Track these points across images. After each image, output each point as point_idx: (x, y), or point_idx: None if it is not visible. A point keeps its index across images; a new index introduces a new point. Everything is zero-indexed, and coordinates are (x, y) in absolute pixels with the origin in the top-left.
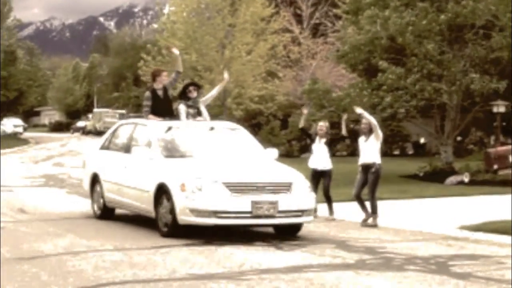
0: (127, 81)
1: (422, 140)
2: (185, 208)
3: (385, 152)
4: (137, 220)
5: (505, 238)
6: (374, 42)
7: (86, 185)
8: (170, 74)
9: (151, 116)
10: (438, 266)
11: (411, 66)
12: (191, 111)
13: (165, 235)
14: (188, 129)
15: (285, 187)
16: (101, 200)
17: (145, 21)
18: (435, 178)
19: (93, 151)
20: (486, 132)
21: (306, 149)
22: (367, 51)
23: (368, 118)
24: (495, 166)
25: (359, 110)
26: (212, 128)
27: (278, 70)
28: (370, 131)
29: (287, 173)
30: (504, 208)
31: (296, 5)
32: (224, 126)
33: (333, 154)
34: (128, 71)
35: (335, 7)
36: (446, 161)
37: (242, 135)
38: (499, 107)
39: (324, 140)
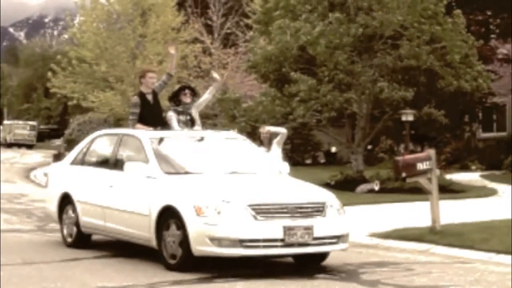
0: (37, 92)
1: (333, 149)
2: (202, 236)
3: (297, 161)
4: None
5: (414, 245)
6: (285, 52)
7: (53, 206)
8: (161, 76)
9: (139, 125)
10: (348, 274)
11: (321, 76)
12: (182, 118)
13: (173, 268)
14: (186, 141)
15: (319, 209)
16: (74, 226)
17: (55, 32)
18: (346, 187)
19: (61, 167)
20: (396, 141)
21: None
22: (277, 61)
23: (277, 130)
24: (403, 174)
25: (266, 128)
26: (202, 139)
27: (190, 80)
28: (270, 141)
29: (317, 191)
30: (412, 215)
31: (206, 15)
32: (225, 136)
33: None
34: (38, 82)
35: (246, 17)
36: (357, 170)
37: (247, 146)
38: (408, 116)
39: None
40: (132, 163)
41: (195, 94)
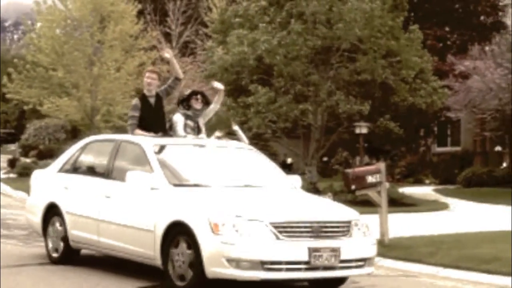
0: None
1: (289, 160)
2: (218, 257)
3: None
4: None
5: None
6: (242, 62)
7: (37, 218)
8: (160, 76)
9: (138, 130)
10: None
11: (278, 87)
12: (190, 123)
13: None
14: (192, 149)
15: (345, 228)
16: (61, 240)
17: (16, 36)
18: None
19: (46, 174)
20: (351, 153)
21: None
22: (235, 71)
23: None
24: (353, 187)
25: (235, 127)
26: (221, 147)
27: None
28: None
29: (341, 208)
30: None
31: (165, 23)
32: (233, 146)
33: None
34: None
35: (204, 26)
36: (311, 181)
37: (257, 157)
38: (362, 128)
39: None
40: (134, 173)
41: (206, 101)
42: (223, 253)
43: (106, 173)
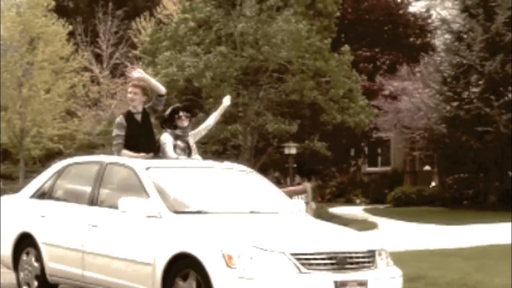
0: None
1: None
2: None
3: None
4: None
5: None
6: (171, 84)
7: (6, 249)
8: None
9: (125, 151)
10: None
11: (207, 109)
12: (180, 143)
13: None
14: (190, 172)
15: (370, 259)
16: (35, 274)
17: None
18: None
19: (16, 201)
20: (283, 173)
21: None
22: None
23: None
24: None
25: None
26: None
27: (77, 109)
28: None
29: (363, 236)
30: None
31: (96, 44)
32: (233, 168)
33: None
34: None
35: (134, 48)
36: None
37: (258, 180)
38: (290, 149)
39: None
40: (128, 199)
41: (192, 115)
42: None
43: (91, 200)
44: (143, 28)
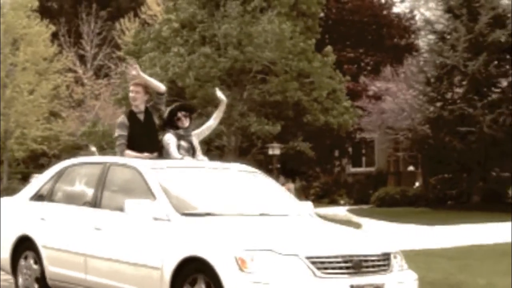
0: None
1: None
2: None
3: None
4: None
5: None
6: None
7: (4, 253)
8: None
9: (129, 151)
10: None
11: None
12: (184, 144)
13: None
14: (195, 173)
15: (386, 262)
16: (35, 278)
17: None
18: None
19: (15, 203)
20: (267, 174)
21: None
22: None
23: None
24: None
25: (93, 148)
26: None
27: (61, 110)
28: None
29: (376, 238)
30: None
31: (80, 45)
32: (238, 168)
33: None
34: None
35: (118, 49)
36: None
37: (265, 181)
38: (274, 149)
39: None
40: (134, 201)
41: (192, 112)
42: None
43: (94, 202)
44: (127, 29)
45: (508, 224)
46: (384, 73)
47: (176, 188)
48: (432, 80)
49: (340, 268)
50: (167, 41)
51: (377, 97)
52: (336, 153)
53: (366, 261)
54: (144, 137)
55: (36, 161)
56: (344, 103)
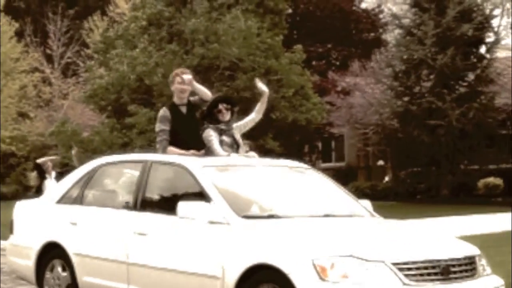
0: None
1: None
2: None
3: None
4: None
5: None
6: (122, 82)
7: (28, 261)
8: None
9: (172, 148)
10: None
11: (159, 107)
12: (226, 139)
13: None
14: (247, 171)
15: (472, 266)
16: (66, 285)
17: None
18: None
19: (40, 206)
20: None
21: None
22: (115, 91)
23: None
24: None
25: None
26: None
27: (29, 110)
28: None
29: (457, 240)
30: None
31: (46, 44)
32: (292, 165)
33: None
34: None
35: (86, 47)
36: None
37: (321, 179)
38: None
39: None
40: (188, 204)
41: (233, 105)
42: None
43: (134, 204)
44: (96, 27)
45: (477, 216)
46: (353, 68)
47: (231, 188)
48: (400, 74)
49: (429, 274)
50: (134, 39)
51: (346, 92)
52: (306, 149)
53: (453, 266)
54: (188, 132)
55: (6, 162)
56: (313, 100)
